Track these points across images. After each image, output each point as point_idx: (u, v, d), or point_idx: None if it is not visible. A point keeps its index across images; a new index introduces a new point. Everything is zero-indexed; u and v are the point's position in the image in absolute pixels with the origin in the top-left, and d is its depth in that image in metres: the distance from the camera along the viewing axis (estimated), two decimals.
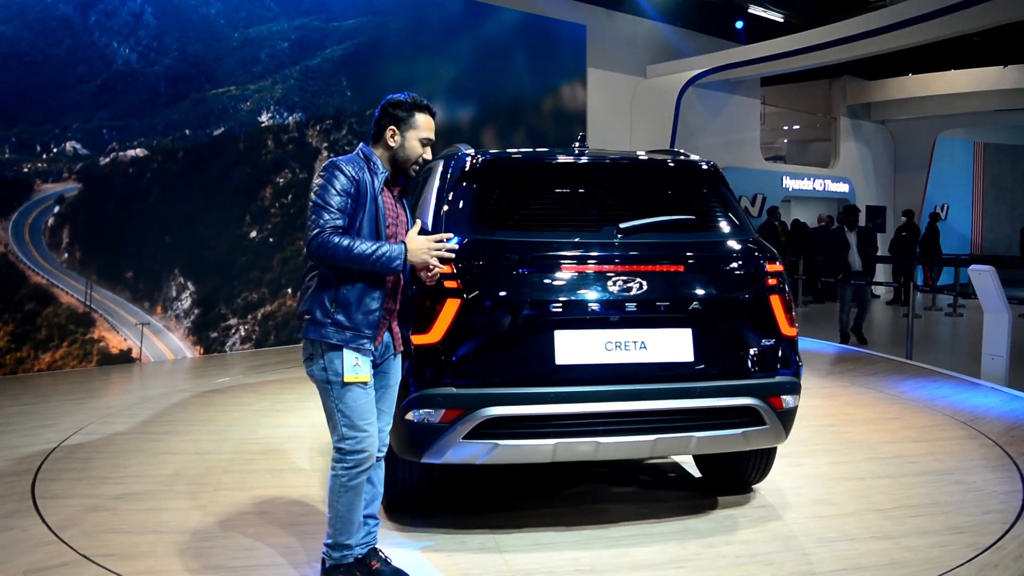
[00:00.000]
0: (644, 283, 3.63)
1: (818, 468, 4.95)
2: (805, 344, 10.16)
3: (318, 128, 9.96)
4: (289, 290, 9.79)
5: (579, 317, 3.58)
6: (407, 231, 3.21)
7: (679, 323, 3.65)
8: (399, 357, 3.34)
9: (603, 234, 3.78)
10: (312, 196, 3.09)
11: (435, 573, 3.51)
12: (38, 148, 7.93)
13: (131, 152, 8.50)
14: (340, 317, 3.06)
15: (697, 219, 4.05)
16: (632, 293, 3.61)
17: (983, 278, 7.75)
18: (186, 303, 9.02)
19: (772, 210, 14.72)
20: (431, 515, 4.09)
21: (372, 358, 3.14)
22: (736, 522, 4.07)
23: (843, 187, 18.75)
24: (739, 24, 15.09)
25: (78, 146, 8.15)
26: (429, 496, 4.18)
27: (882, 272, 17.32)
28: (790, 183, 17.18)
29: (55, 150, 8.02)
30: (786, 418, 3.77)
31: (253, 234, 9.56)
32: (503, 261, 3.64)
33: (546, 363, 3.53)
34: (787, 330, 3.80)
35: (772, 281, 3.81)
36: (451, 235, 3.50)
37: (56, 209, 8.08)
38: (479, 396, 3.46)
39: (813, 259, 16.05)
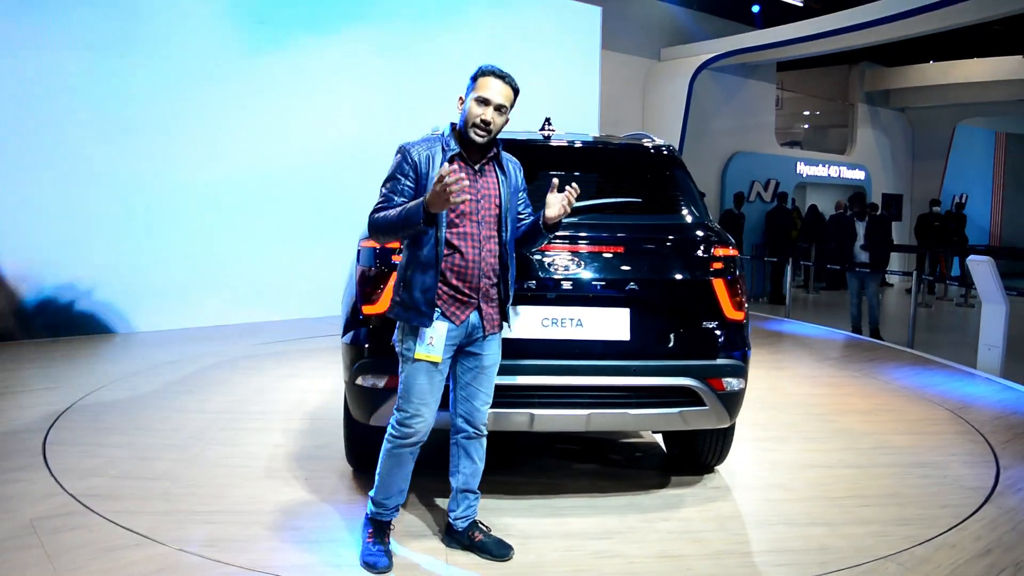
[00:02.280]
0: (582, 263, 3.76)
1: (788, 455, 5.01)
2: (812, 331, 10.30)
3: None
4: None
5: (516, 293, 3.69)
6: (500, 204, 3.28)
7: (616, 303, 3.78)
8: (496, 338, 3.39)
9: None
10: None
11: None
12: None
13: None
14: (404, 295, 3.21)
15: (644, 201, 4.18)
16: (569, 272, 3.75)
17: (981, 268, 7.82)
18: None
19: (782, 195, 14.74)
20: None
21: (453, 340, 3.22)
22: (683, 500, 4.18)
23: (859, 174, 18.68)
24: (756, 8, 15.04)
25: None
26: None
27: (897, 261, 17.33)
28: (804, 169, 17.14)
29: None
30: (729, 400, 3.84)
31: None
32: None
33: None
34: (732, 314, 3.85)
35: (716, 265, 3.86)
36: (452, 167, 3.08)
37: None
38: None
39: (825, 246, 16.13)
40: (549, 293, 3.76)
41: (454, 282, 3.20)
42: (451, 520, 3.53)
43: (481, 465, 3.51)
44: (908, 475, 4.67)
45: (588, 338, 3.76)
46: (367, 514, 3.44)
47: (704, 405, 3.78)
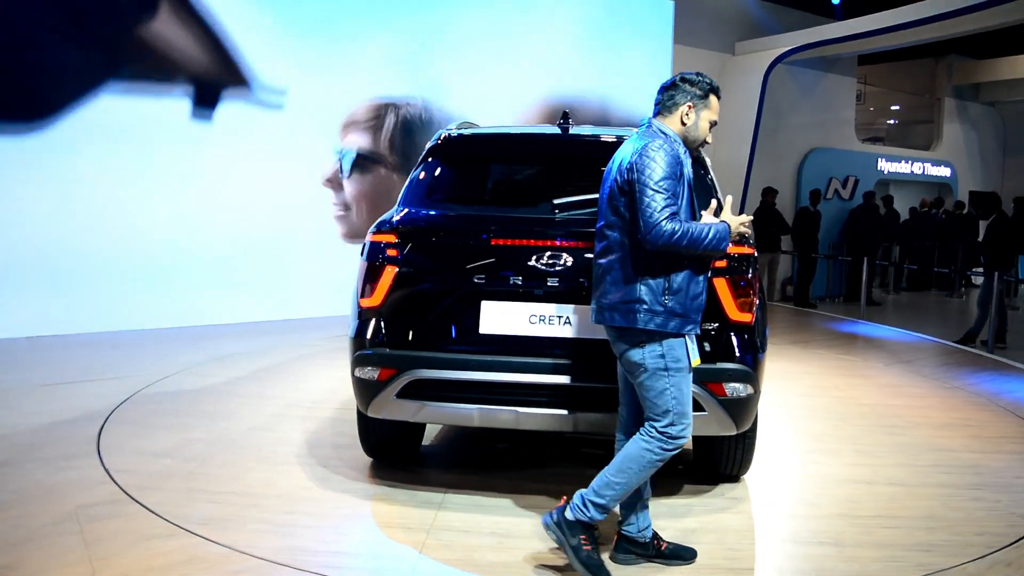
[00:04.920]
0: (571, 259, 3.67)
1: (832, 468, 4.70)
2: (895, 335, 9.89)
3: None
4: None
5: (504, 289, 3.69)
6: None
7: None
8: None
9: (540, 210, 3.92)
10: (641, 179, 3.07)
11: (367, 518, 3.80)
12: None
13: None
14: (672, 304, 3.09)
15: None
16: (558, 268, 3.67)
17: None
18: None
19: (869, 194, 14.18)
20: (406, 469, 4.44)
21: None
22: (690, 510, 3.98)
23: (944, 171, 17.95)
24: (835, 0, 14.54)
25: None
26: (405, 451, 4.51)
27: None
28: (886, 165, 16.51)
29: None
30: (733, 407, 3.64)
31: None
32: (438, 233, 3.87)
33: (471, 331, 3.71)
34: (736, 315, 3.65)
35: (718, 263, 3.64)
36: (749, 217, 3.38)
37: None
38: (407, 358, 3.70)
39: (909, 245, 15.54)
40: (537, 290, 3.69)
41: None
42: (634, 534, 3.38)
43: None
44: (956, 497, 4.28)
45: (576, 336, 3.68)
46: (574, 518, 3.20)
47: (702, 411, 3.60)
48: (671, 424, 3.14)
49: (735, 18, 14.23)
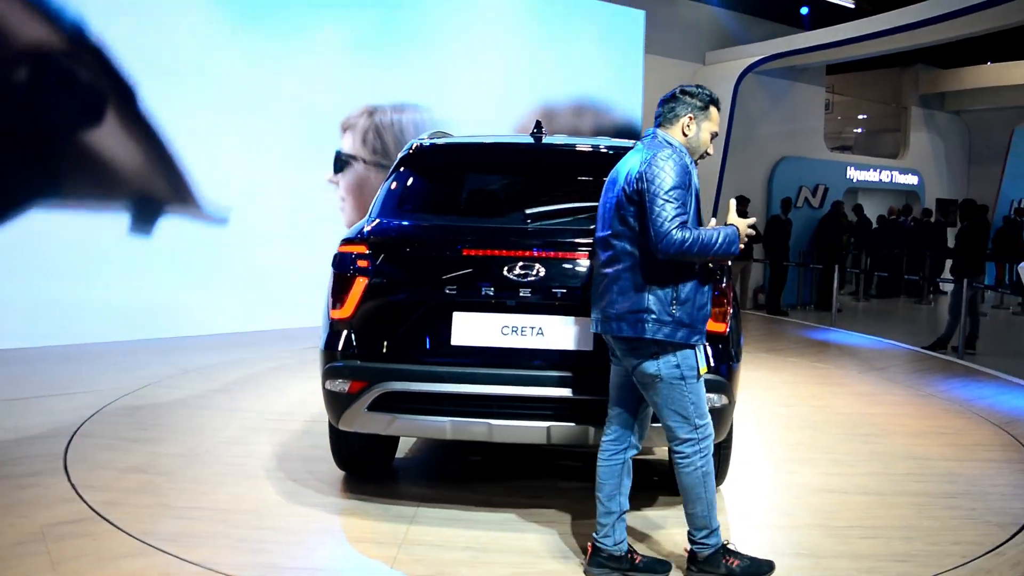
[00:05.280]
0: (543, 270, 3.64)
1: (807, 478, 4.69)
2: (867, 342, 9.96)
3: None
4: None
5: (476, 300, 3.66)
6: None
7: (579, 311, 3.61)
8: None
9: (511, 220, 3.91)
10: (652, 188, 3.09)
11: (337, 533, 3.77)
12: None
13: None
14: (680, 315, 3.13)
15: None
16: (530, 279, 3.63)
17: None
18: None
19: (837, 203, 14.32)
20: (378, 482, 4.40)
21: None
22: (665, 522, 3.94)
23: (912, 179, 18.19)
24: (804, 10, 14.70)
25: None
26: (377, 464, 4.48)
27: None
28: (855, 174, 16.70)
29: None
30: None
31: None
32: (409, 243, 3.84)
33: (442, 343, 3.67)
34: (710, 326, 3.53)
35: None
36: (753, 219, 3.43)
37: None
38: (378, 370, 3.66)
39: (878, 253, 15.72)
40: (509, 301, 3.66)
41: None
42: (609, 547, 3.34)
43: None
44: (932, 506, 4.28)
45: (549, 348, 3.65)
46: (707, 554, 3.29)
47: None
48: (694, 428, 3.21)
49: (705, 28, 14.33)
